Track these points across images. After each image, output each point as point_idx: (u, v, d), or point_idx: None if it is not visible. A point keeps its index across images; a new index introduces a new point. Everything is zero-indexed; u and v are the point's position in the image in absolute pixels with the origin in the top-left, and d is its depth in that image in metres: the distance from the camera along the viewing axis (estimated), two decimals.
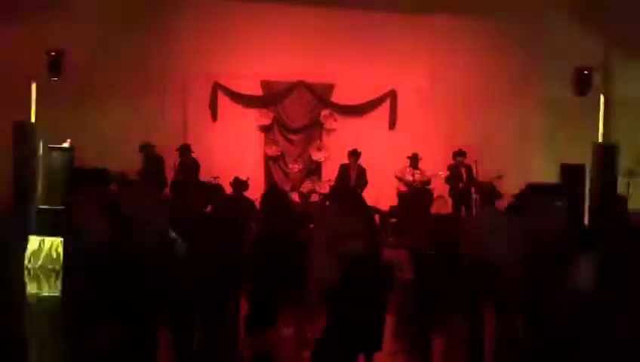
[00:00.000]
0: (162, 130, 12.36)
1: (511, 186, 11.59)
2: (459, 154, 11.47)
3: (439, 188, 12.11)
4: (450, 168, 11.46)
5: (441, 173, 11.70)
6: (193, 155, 11.48)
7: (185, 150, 11.45)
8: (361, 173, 11.48)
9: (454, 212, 11.37)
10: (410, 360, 7.37)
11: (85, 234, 6.28)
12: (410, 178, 11.44)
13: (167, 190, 10.66)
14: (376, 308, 5.49)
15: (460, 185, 11.30)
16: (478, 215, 7.01)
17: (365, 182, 11.50)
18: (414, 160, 11.56)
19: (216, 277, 5.96)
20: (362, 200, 6.09)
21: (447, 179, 11.36)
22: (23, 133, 10.78)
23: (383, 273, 5.69)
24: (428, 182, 11.56)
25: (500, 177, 11.24)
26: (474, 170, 11.58)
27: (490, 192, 7.00)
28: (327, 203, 8.88)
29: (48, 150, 10.82)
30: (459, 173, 11.35)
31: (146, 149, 11.23)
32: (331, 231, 5.54)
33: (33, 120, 11.24)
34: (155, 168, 11.00)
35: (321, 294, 5.49)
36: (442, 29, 12.62)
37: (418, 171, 11.54)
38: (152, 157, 11.21)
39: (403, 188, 11.49)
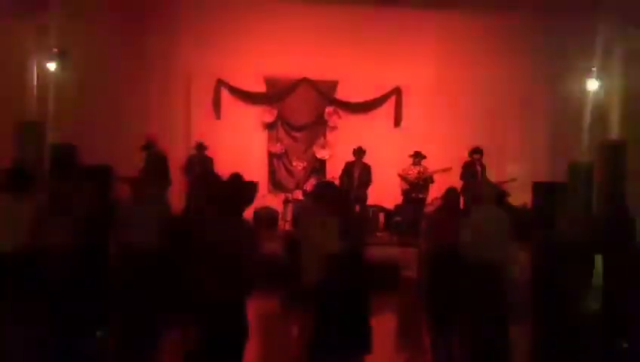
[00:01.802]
0: (166, 128, 12.33)
1: (517, 185, 11.56)
2: (476, 151, 11.26)
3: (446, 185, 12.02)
4: (465, 165, 11.30)
5: (449, 168, 11.59)
6: (206, 152, 11.46)
7: (200, 147, 11.44)
8: (366, 170, 11.40)
9: (465, 209, 11.22)
10: (413, 359, 7.33)
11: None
12: (413, 176, 11.34)
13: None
14: (358, 308, 5.42)
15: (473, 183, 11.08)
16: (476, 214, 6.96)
17: (370, 180, 11.42)
18: (417, 157, 11.46)
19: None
20: (344, 198, 6.00)
21: (461, 176, 11.20)
22: (26, 132, 10.72)
23: (365, 272, 5.61)
24: (431, 180, 11.46)
25: (512, 180, 11.15)
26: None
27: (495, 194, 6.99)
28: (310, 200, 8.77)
29: (51, 148, 10.75)
30: (474, 170, 11.16)
31: (149, 147, 11.18)
32: (311, 230, 5.51)
33: (36, 119, 11.17)
34: (158, 166, 10.94)
35: (303, 293, 5.44)
36: (447, 26, 12.53)
37: (421, 169, 11.45)
38: (155, 156, 11.16)
39: (406, 187, 11.40)
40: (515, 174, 11.74)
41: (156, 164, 10.95)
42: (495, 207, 6.73)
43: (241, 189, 4.63)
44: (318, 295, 5.35)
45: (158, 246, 6.93)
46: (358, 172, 11.36)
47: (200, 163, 11.29)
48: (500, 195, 8.76)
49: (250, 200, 4.69)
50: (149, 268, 7.00)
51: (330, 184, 7.86)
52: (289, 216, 11.65)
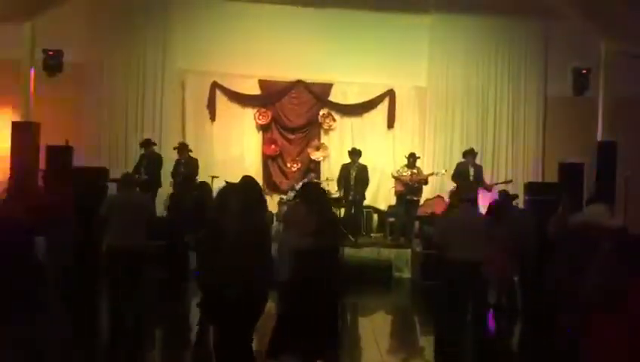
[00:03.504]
0: (160, 130, 12.37)
1: (511, 185, 11.62)
2: (469, 153, 11.30)
3: (439, 187, 12.12)
4: (458, 167, 11.34)
5: (443, 171, 11.64)
6: (191, 154, 11.46)
7: (182, 148, 11.43)
8: (362, 171, 11.45)
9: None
10: (408, 358, 7.37)
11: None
12: (408, 177, 11.41)
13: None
14: (324, 306, 5.48)
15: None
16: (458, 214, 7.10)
17: (367, 180, 11.47)
18: (412, 159, 11.52)
19: None
20: (323, 197, 6.09)
21: (453, 177, 11.24)
22: (22, 133, 10.76)
23: (335, 271, 5.67)
24: (425, 182, 11.53)
25: (508, 181, 11.20)
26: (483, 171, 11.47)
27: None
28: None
29: (47, 149, 10.79)
30: (467, 172, 11.21)
31: (147, 145, 11.25)
32: (290, 227, 5.61)
33: (32, 119, 11.20)
34: (151, 166, 10.99)
35: (279, 290, 5.52)
36: (441, 28, 12.60)
37: (415, 170, 11.51)
38: (150, 155, 11.21)
39: (400, 188, 11.45)
40: (508, 175, 11.86)
41: (149, 163, 11.01)
42: (472, 207, 6.76)
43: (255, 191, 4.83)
44: (287, 291, 5.45)
45: (141, 244, 6.99)
46: (355, 173, 11.41)
47: (185, 165, 11.28)
48: (511, 197, 8.87)
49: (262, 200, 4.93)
50: (134, 265, 7.04)
51: (311, 184, 7.96)
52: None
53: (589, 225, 5.08)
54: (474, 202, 6.98)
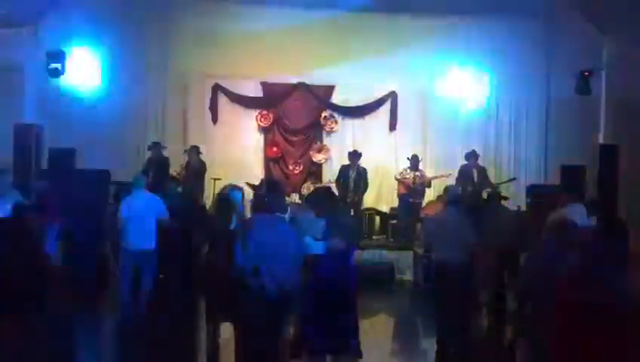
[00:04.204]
0: (163, 132, 12.39)
1: (512, 187, 11.62)
2: (472, 155, 11.27)
3: (441, 190, 12.09)
4: (461, 169, 11.31)
5: (448, 174, 11.62)
6: (201, 157, 11.51)
7: (193, 151, 11.47)
8: (362, 174, 11.45)
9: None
10: (410, 361, 7.37)
11: None
12: (411, 180, 11.40)
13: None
14: (342, 308, 5.51)
15: (470, 187, 11.05)
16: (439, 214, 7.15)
17: (366, 183, 11.47)
18: (414, 161, 11.51)
19: None
20: (335, 201, 6.13)
21: (457, 180, 11.20)
22: (24, 135, 10.78)
23: (350, 274, 5.70)
24: (428, 184, 11.53)
25: (512, 180, 11.18)
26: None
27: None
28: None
29: (50, 152, 10.82)
30: (470, 175, 11.17)
31: (155, 148, 11.29)
32: (304, 231, 5.65)
33: (34, 122, 11.23)
34: (158, 168, 11.02)
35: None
36: (443, 30, 12.59)
37: (418, 173, 11.50)
38: (158, 158, 11.25)
39: (403, 190, 11.45)
40: (511, 176, 11.83)
41: (157, 165, 11.03)
42: (455, 208, 6.75)
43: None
44: (304, 295, 5.45)
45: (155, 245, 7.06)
46: (354, 175, 11.41)
47: (192, 168, 11.30)
48: (498, 197, 8.85)
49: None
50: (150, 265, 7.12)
51: (323, 188, 7.97)
52: (286, 219, 11.69)
53: (563, 223, 5.11)
54: (459, 203, 6.97)
